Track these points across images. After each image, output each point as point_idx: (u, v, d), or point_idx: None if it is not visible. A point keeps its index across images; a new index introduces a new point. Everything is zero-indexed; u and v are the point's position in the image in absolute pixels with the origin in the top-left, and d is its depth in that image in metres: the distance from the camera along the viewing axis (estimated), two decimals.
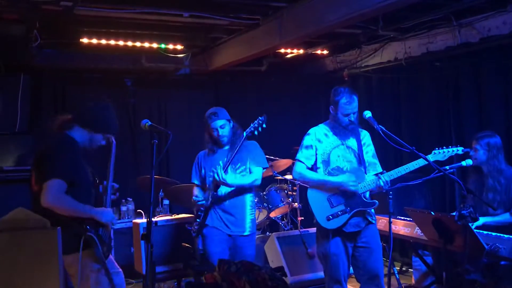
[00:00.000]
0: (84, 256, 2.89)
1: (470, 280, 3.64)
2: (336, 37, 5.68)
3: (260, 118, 3.73)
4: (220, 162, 3.74)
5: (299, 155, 3.59)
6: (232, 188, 3.77)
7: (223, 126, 3.80)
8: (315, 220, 3.48)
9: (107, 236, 3.08)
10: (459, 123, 5.28)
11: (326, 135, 3.57)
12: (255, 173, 3.81)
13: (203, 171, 3.91)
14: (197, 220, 3.82)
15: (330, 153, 3.52)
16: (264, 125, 3.72)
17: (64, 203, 2.82)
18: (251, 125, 3.72)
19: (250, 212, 3.84)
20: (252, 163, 3.83)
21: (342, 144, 3.55)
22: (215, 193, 3.76)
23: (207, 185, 3.85)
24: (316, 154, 3.55)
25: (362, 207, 3.43)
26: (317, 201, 3.45)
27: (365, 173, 3.52)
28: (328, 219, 3.40)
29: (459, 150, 3.55)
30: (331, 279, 3.49)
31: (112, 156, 3.26)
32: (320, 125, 3.66)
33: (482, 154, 4.07)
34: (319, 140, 3.56)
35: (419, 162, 3.46)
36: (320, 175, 3.51)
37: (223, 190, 3.78)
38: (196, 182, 3.96)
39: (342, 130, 3.54)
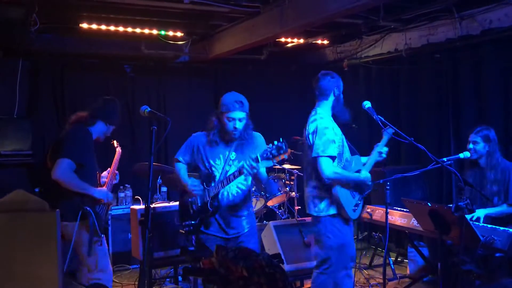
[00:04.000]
0: (82, 226, 3.43)
1: (465, 270, 3.67)
2: (337, 27, 5.66)
3: (281, 144, 2.98)
4: (221, 156, 3.36)
5: (330, 151, 3.39)
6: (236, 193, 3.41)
7: (242, 119, 3.28)
8: (340, 212, 3.49)
9: (104, 212, 3.58)
10: (457, 115, 5.29)
11: (333, 127, 3.55)
12: (263, 172, 3.41)
13: (200, 156, 3.42)
14: (192, 221, 3.43)
15: (343, 146, 3.57)
16: (286, 156, 3.06)
17: (69, 179, 3.38)
18: (268, 149, 3.01)
19: (245, 212, 3.48)
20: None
21: (343, 134, 3.62)
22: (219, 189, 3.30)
23: (204, 176, 3.42)
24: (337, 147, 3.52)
25: (367, 191, 3.63)
26: (345, 195, 3.50)
27: None
28: (354, 210, 3.54)
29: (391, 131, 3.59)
30: (340, 267, 3.54)
31: (117, 158, 4.01)
32: (324, 115, 3.55)
33: (482, 148, 4.12)
34: (336, 133, 3.53)
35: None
36: (352, 173, 3.53)
37: (232, 189, 3.37)
38: (180, 159, 3.48)
39: (344, 113, 3.61)
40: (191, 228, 3.45)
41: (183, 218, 3.55)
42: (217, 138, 3.36)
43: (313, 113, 3.61)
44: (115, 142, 4.29)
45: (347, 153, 3.60)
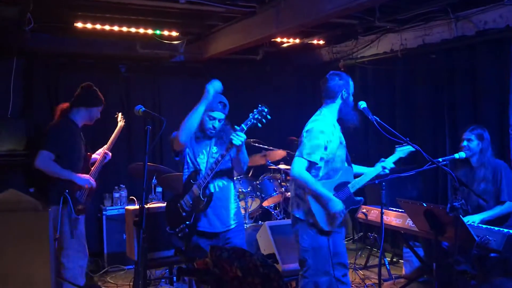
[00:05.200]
0: (63, 210, 3.95)
1: (460, 270, 3.68)
2: (332, 27, 5.66)
3: (261, 107, 3.23)
4: (204, 151, 3.53)
5: (314, 157, 3.34)
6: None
7: (221, 121, 3.51)
8: (313, 222, 3.40)
9: (83, 197, 4.06)
10: (452, 116, 5.30)
11: (332, 133, 3.44)
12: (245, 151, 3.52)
13: (187, 153, 3.57)
14: (186, 222, 3.49)
15: (335, 154, 3.44)
16: (268, 117, 3.21)
17: (48, 167, 3.90)
18: (251, 115, 3.25)
19: (233, 206, 3.62)
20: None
21: (340, 142, 3.49)
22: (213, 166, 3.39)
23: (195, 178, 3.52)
24: (324, 153, 3.40)
25: (353, 206, 3.50)
26: (319, 205, 3.38)
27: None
28: (329, 222, 3.40)
29: (409, 148, 3.61)
30: (320, 272, 3.43)
31: (117, 132, 4.42)
32: (323, 119, 3.47)
33: (476, 145, 4.16)
34: (330, 140, 3.41)
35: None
36: (321, 188, 3.36)
37: (218, 182, 3.50)
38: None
39: (353, 116, 3.51)
40: (187, 230, 3.49)
41: (174, 223, 3.56)
42: (199, 133, 3.53)
43: (317, 112, 3.54)
44: (119, 115, 4.51)
45: (338, 163, 3.46)
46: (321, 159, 3.39)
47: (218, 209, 3.51)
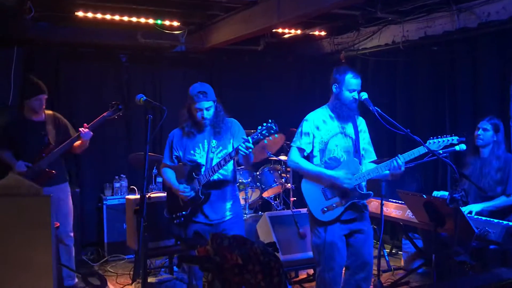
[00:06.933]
0: None
1: (459, 261, 3.69)
2: (334, 18, 5.64)
3: (270, 124, 3.15)
4: (200, 145, 3.50)
5: (297, 142, 3.45)
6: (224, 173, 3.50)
7: (209, 108, 3.44)
8: (309, 212, 3.42)
9: None
10: (453, 108, 5.30)
11: (324, 121, 3.45)
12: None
13: (179, 152, 3.58)
14: (183, 212, 3.53)
15: (328, 142, 3.42)
16: (276, 135, 3.26)
17: None
18: (258, 129, 3.17)
19: (230, 197, 3.56)
20: None
21: (341, 133, 3.46)
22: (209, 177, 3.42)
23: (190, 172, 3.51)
24: (313, 142, 3.44)
25: (357, 199, 3.38)
26: (311, 193, 3.39)
27: (360, 162, 3.46)
28: (323, 212, 3.35)
29: (454, 139, 3.38)
30: (325, 269, 3.38)
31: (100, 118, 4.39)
32: (318, 110, 3.54)
33: (491, 136, 4.12)
34: (317, 127, 3.43)
35: (422, 149, 3.32)
36: (315, 167, 3.40)
37: (214, 175, 3.45)
38: (168, 163, 3.64)
39: (345, 110, 3.42)
40: (182, 219, 3.53)
41: (172, 210, 3.62)
42: (193, 129, 3.51)
43: None
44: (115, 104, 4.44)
45: (337, 153, 3.43)
46: (313, 147, 3.43)
47: (214, 202, 3.49)
